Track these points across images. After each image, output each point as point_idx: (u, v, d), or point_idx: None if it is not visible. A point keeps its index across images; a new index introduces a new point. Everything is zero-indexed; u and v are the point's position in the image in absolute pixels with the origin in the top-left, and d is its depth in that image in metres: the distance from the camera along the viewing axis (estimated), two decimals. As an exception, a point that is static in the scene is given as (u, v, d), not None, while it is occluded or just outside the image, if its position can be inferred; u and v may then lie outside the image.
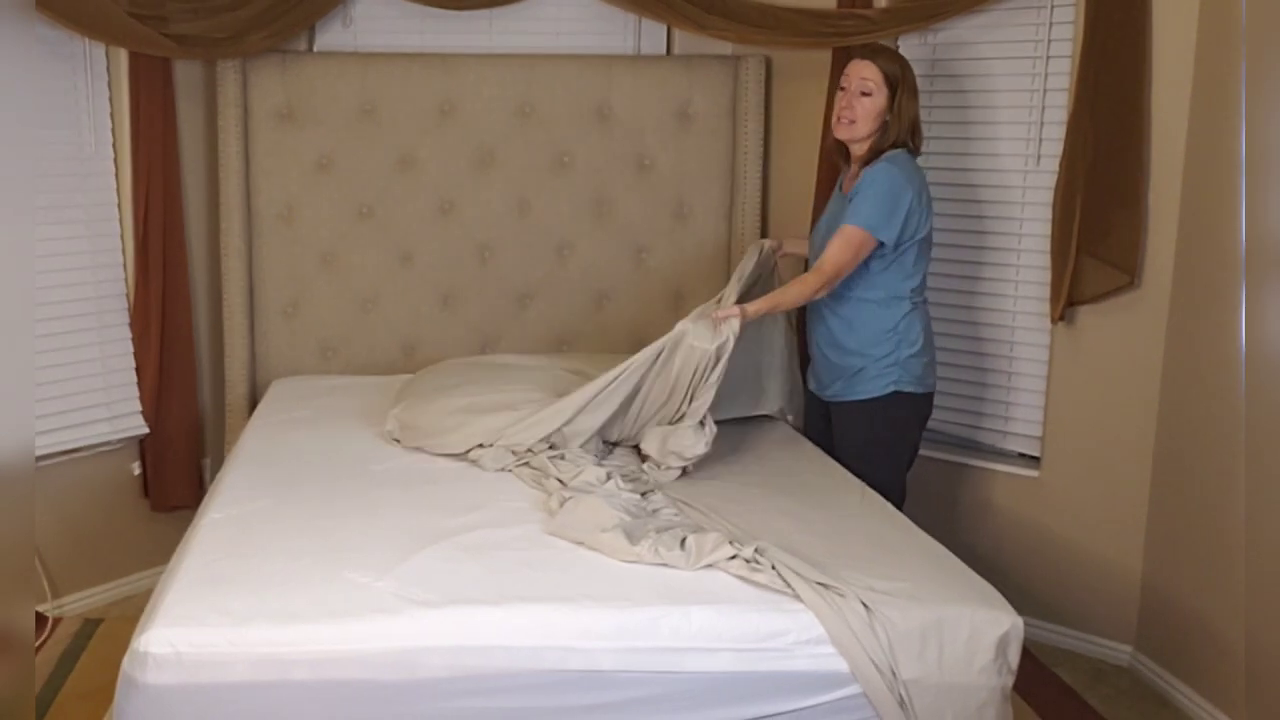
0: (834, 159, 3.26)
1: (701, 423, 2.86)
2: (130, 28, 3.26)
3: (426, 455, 2.99)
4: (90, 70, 3.45)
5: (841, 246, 2.93)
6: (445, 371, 3.46)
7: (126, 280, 3.58)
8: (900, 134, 2.99)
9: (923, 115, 3.56)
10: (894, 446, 3.11)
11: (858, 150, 3.08)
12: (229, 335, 3.77)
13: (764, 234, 3.99)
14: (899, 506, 2.95)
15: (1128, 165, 3.11)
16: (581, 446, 2.90)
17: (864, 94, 2.98)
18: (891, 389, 3.03)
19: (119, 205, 3.55)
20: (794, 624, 2.15)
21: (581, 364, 3.45)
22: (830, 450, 3.13)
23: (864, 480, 2.87)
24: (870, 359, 3.04)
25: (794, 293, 2.99)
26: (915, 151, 3.05)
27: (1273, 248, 2.66)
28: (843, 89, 3.02)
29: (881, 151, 3.00)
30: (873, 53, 3.03)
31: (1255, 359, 2.73)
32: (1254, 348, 2.74)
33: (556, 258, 3.92)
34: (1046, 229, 3.30)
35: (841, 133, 3.04)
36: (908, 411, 3.09)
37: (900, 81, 2.98)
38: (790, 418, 3.41)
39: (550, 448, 2.91)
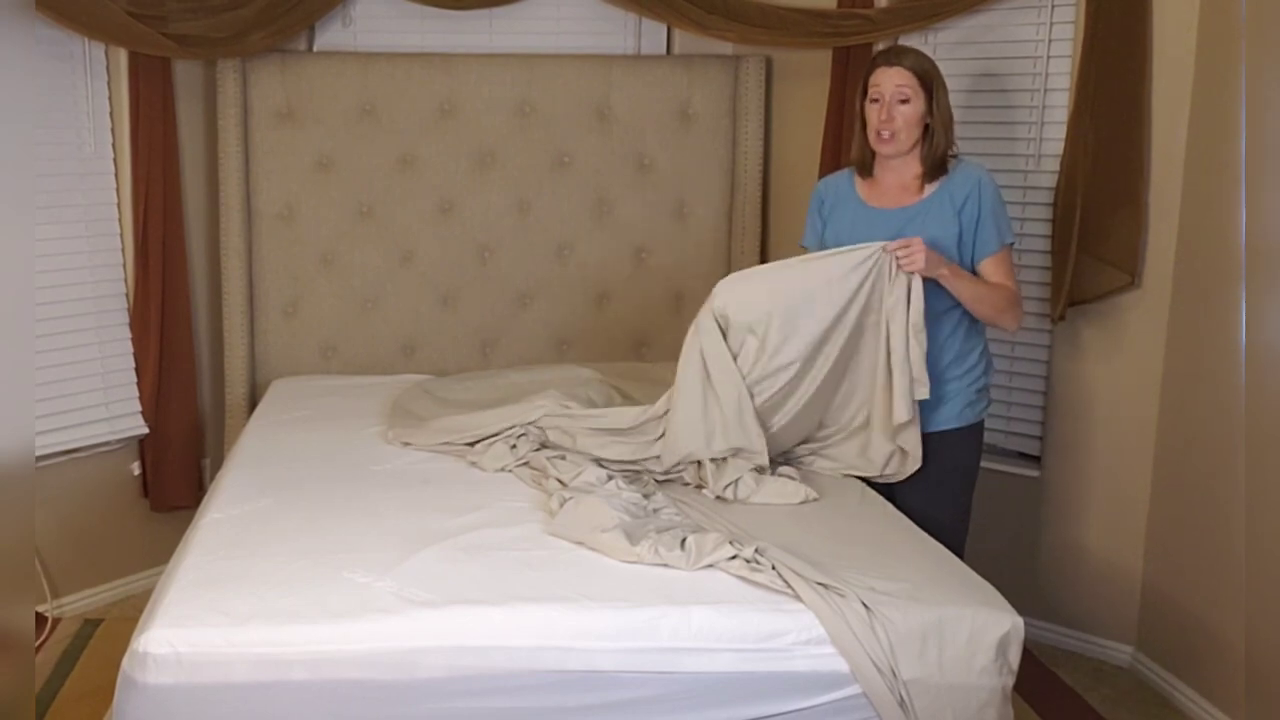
0: (865, 174, 2.90)
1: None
2: (130, 27, 3.26)
3: (426, 455, 2.99)
4: (90, 70, 3.45)
5: (1009, 272, 2.76)
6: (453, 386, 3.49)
7: (126, 280, 3.58)
8: (950, 134, 2.78)
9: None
10: (974, 476, 2.93)
11: (906, 164, 2.81)
12: (229, 335, 3.76)
13: (764, 234, 3.98)
14: (965, 540, 2.87)
15: (1128, 165, 3.11)
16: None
17: (901, 101, 2.73)
18: (978, 418, 2.86)
19: (118, 205, 3.55)
20: (794, 624, 2.14)
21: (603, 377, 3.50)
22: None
23: (929, 519, 2.63)
24: (953, 378, 2.82)
25: (995, 294, 2.72)
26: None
27: (1273, 247, 2.66)
28: (875, 101, 2.76)
29: (941, 160, 2.78)
30: (899, 56, 2.76)
31: (1255, 358, 2.73)
32: (1254, 347, 2.74)
33: (556, 258, 3.92)
34: (1047, 229, 3.30)
35: (885, 148, 2.77)
36: (980, 437, 2.92)
37: (935, 79, 2.76)
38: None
39: (542, 447, 2.92)
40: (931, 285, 2.68)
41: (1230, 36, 2.86)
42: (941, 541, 2.48)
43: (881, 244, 2.64)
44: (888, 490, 2.81)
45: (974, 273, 2.77)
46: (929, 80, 2.75)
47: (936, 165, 2.78)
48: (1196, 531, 3.06)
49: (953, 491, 2.86)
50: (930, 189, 2.79)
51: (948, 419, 2.82)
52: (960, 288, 2.69)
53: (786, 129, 3.90)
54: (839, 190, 2.94)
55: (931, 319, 2.70)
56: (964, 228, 2.76)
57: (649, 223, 3.93)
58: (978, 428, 2.88)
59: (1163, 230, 3.12)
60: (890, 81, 2.74)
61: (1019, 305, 2.78)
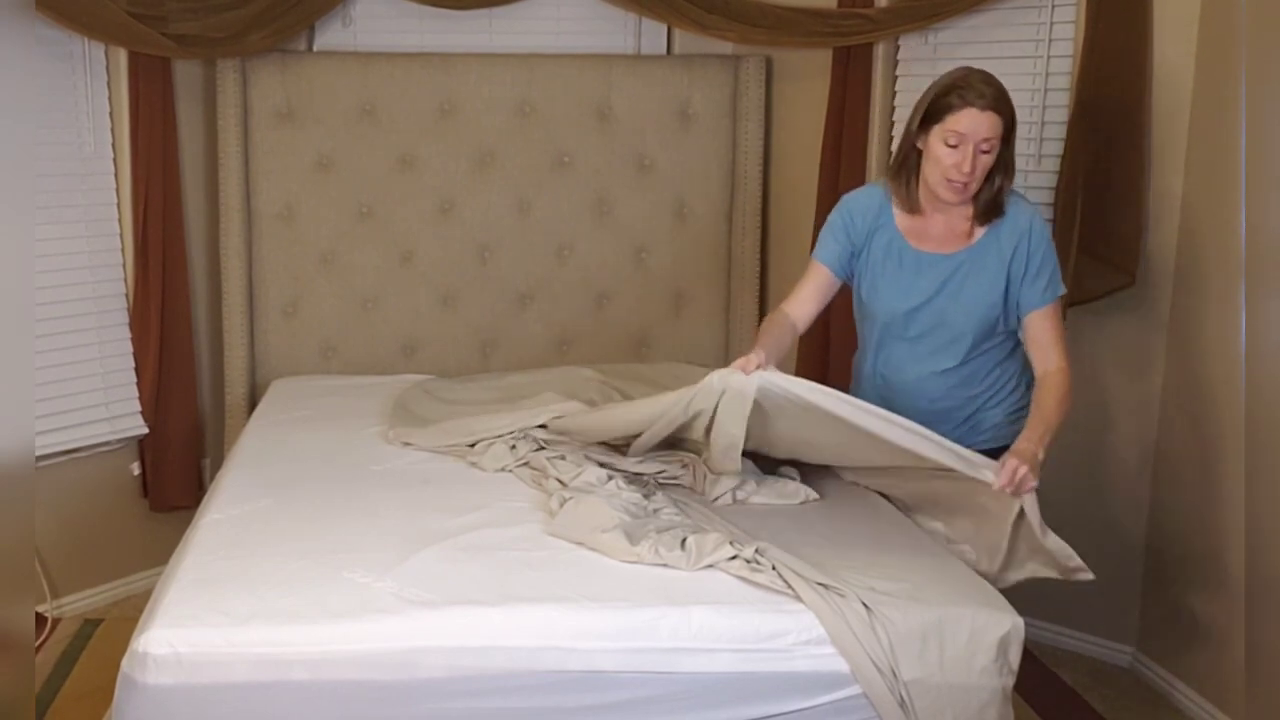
0: (912, 210, 2.60)
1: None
2: (129, 27, 3.26)
3: (426, 455, 2.99)
4: (89, 70, 3.45)
5: (1058, 327, 2.55)
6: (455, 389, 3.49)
7: (126, 280, 3.58)
8: (1013, 175, 2.55)
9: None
10: None
11: (960, 207, 2.57)
12: (228, 335, 3.76)
13: (764, 234, 3.98)
14: None
15: (1128, 165, 3.11)
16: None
17: (984, 152, 2.44)
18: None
19: (118, 205, 3.55)
20: (794, 624, 2.14)
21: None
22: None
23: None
24: (994, 404, 2.70)
25: (1063, 403, 2.47)
26: None
27: (1273, 247, 2.65)
28: (952, 146, 2.43)
29: (996, 200, 2.54)
30: (994, 98, 2.41)
31: (1255, 358, 2.73)
32: (1254, 347, 2.74)
33: (556, 258, 3.92)
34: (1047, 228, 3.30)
35: (953, 197, 2.49)
36: None
37: (1014, 122, 2.48)
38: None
39: (541, 448, 2.92)
40: (963, 340, 2.57)
41: (1231, 36, 2.86)
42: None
43: (990, 482, 2.33)
44: None
45: (1019, 320, 2.58)
46: (1011, 125, 2.48)
47: (994, 209, 2.55)
48: (1197, 531, 3.06)
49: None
50: (979, 233, 2.58)
51: (988, 440, 2.67)
52: (1049, 431, 2.44)
53: (787, 129, 3.90)
54: (876, 217, 2.64)
55: (970, 360, 2.62)
56: (1011, 279, 2.55)
57: (649, 223, 3.93)
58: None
59: (1163, 230, 3.12)
60: (981, 128, 2.41)
61: (1070, 382, 2.53)
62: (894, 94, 3.61)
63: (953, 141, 2.43)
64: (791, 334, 2.66)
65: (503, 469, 2.87)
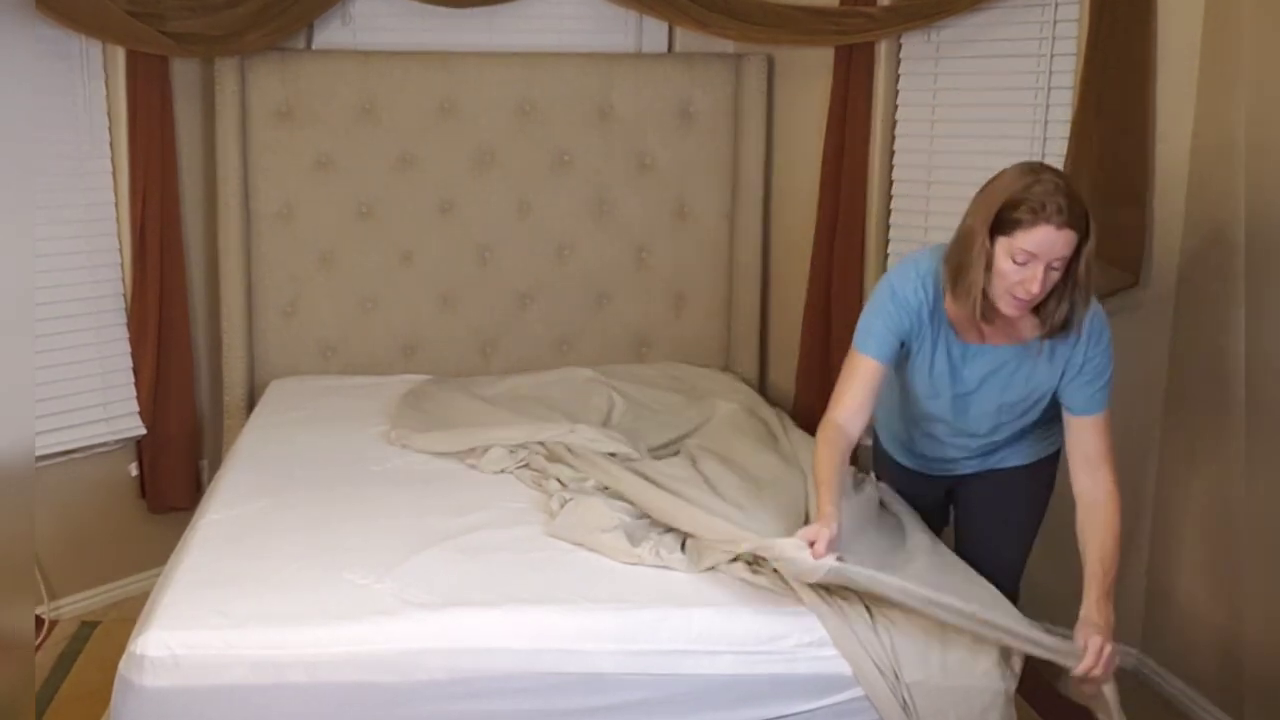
0: (987, 320, 2.28)
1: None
2: (128, 26, 3.25)
3: (426, 456, 2.98)
4: (87, 69, 3.43)
5: (1108, 437, 2.41)
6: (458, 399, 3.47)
7: (124, 280, 3.57)
8: (1090, 293, 2.26)
9: (927, 114, 3.57)
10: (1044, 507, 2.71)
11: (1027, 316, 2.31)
12: (227, 335, 3.75)
13: (765, 234, 3.97)
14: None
15: (1132, 164, 3.10)
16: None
17: (1054, 269, 2.15)
18: (1049, 451, 2.60)
19: (116, 205, 3.53)
20: (796, 627, 2.14)
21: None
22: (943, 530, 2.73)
23: (1002, 554, 2.58)
24: (1028, 435, 2.59)
25: (1119, 545, 2.33)
26: None
27: (1275, 247, 2.65)
28: (1020, 264, 2.14)
29: (1069, 321, 2.26)
30: (1076, 218, 2.11)
31: (1257, 358, 2.72)
32: (1255, 347, 2.73)
33: (556, 258, 3.91)
34: (1049, 228, 3.29)
35: (1014, 312, 2.22)
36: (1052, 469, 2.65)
37: (1089, 233, 2.17)
38: None
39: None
40: (1000, 418, 2.46)
41: (1235, 35, 2.85)
42: (1000, 577, 2.39)
43: (1073, 668, 2.21)
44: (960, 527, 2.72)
45: (1058, 405, 2.43)
46: (1086, 236, 2.16)
47: (1065, 328, 2.26)
48: (1201, 533, 3.05)
49: (1029, 529, 2.71)
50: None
51: (1018, 459, 2.61)
52: (1109, 576, 2.34)
53: (788, 128, 3.89)
54: (931, 313, 2.35)
55: (1002, 427, 2.50)
56: (1066, 371, 2.36)
57: (649, 223, 3.92)
58: (1050, 460, 2.63)
59: (1167, 230, 3.11)
60: (1057, 247, 2.12)
61: (1121, 508, 2.40)
62: (896, 93, 3.60)
63: (1021, 259, 2.14)
64: (850, 451, 2.38)
65: (502, 471, 2.87)
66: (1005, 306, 2.21)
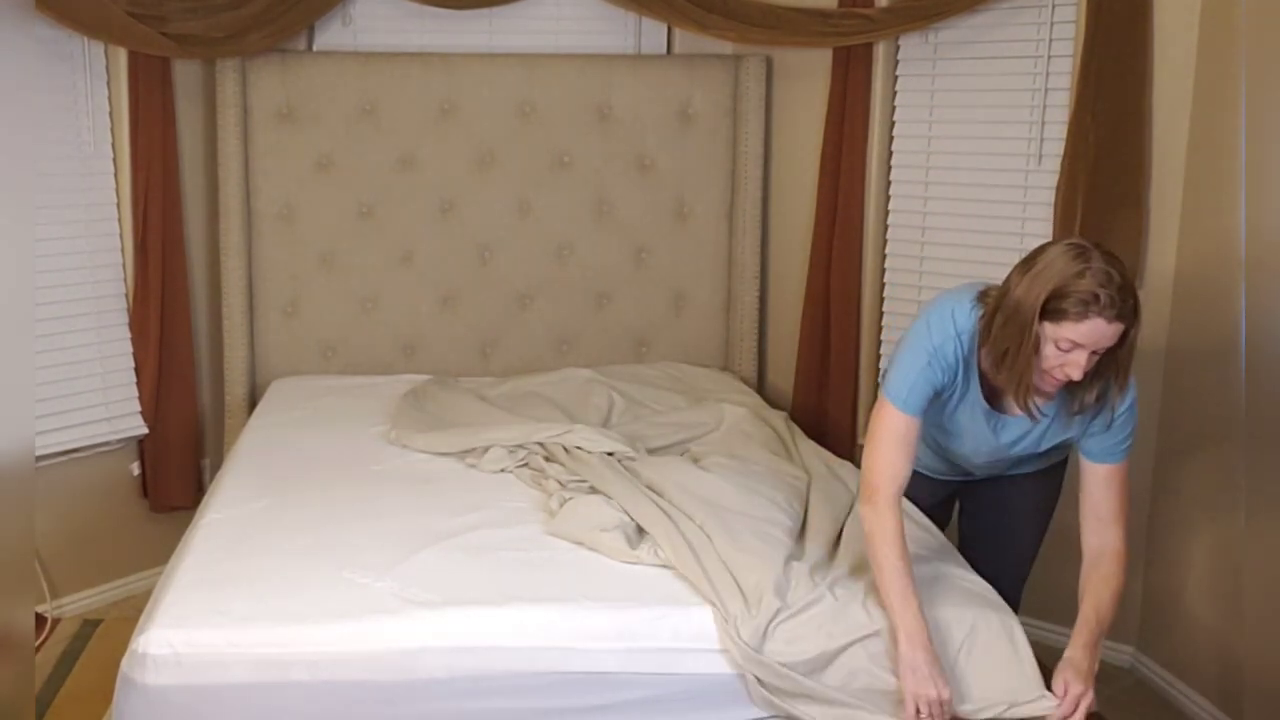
0: (1027, 394, 2.20)
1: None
2: (129, 27, 3.26)
3: (426, 455, 2.99)
4: (89, 70, 3.44)
5: (1125, 495, 2.32)
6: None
7: (125, 280, 3.58)
8: (1128, 378, 2.21)
9: (925, 114, 3.58)
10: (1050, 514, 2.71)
11: None
12: (228, 335, 3.76)
13: (764, 234, 3.97)
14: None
15: (1129, 165, 3.11)
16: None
17: (1094, 353, 2.10)
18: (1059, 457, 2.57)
19: (118, 205, 3.54)
20: (795, 625, 2.14)
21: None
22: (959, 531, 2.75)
23: (1008, 556, 2.64)
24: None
25: (1118, 598, 2.26)
26: None
27: (1273, 247, 2.65)
28: (1063, 350, 2.08)
29: (1100, 402, 2.23)
30: (1126, 311, 2.05)
31: (1255, 359, 2.73)
32: (1254, 347, 2.74)
33: (556, 258, 3.92)
34: (1048, 229, 3.29)
35: (1049, 388, 2.19)
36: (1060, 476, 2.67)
37: (1138, 318, 2.11)
38: None
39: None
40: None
41: (1232, 36, 2.85)
42: (1004, 580, 2.41)
43: (1047, 714, 2.13)
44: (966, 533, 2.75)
45: (1065, 445, 2.44)
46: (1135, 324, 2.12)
47: (1096, 406, 2.23)
48: (1197, 532, 3.05)
49: (1040, 529, 2.71)
50: None
51: (1030, 468, 2.58)
52: (1101, 625, 2.23)
53: (787, 129, 3.90)
54: (966, 372, 2.31)
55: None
56: (1093, 426, 2.29)
57: (649, 223, 3.93)
58: (1061, 465, 2.62)
59: (1164, 230, 3.11)
60: (1105, 338, 2.07)
61: (1125, 567, 2.31)
62: (894, 94, 3.60)
63: (1065, 347, 2.08)
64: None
65: (502, 470, 2.87)
66: (1041, 383, 2.17)
